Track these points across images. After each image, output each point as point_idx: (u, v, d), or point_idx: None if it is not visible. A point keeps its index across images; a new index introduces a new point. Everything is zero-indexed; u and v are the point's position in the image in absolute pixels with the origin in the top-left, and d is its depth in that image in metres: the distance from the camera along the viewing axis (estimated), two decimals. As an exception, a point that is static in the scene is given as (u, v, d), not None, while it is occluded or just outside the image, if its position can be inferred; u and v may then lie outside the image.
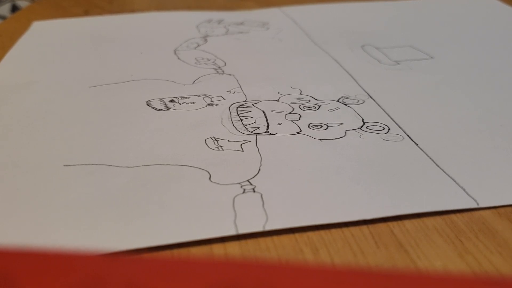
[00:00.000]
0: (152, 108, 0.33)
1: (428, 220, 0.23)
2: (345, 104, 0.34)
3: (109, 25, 0.50)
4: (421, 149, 0.28)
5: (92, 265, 0.14)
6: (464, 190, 0.25)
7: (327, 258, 0.21)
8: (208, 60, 0.42)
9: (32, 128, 0.31)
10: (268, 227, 0.22)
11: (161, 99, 0.35)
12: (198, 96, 0.35)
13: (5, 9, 0.80)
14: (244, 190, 0.25)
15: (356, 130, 0.30)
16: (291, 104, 0.34)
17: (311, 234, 0.23)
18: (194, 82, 0.38)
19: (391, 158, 0.28)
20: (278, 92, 0.35)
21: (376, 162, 0.27)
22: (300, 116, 0.32)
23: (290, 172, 0.26)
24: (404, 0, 0.57)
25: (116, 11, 0.55)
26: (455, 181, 0.26)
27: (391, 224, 0.23)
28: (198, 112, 0.33)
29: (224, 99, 0.35)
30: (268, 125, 0.31)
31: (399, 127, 0.31)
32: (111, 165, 0.27)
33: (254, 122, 0.31)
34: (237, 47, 0.45)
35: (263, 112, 0.33)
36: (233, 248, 0.22)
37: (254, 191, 0.25)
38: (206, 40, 0.46)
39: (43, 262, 0.14)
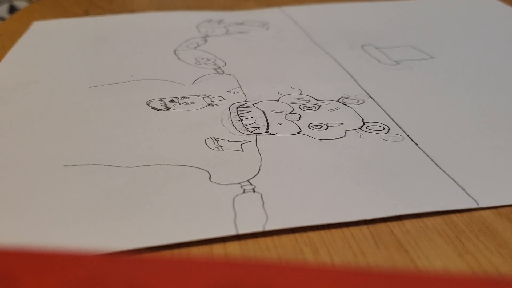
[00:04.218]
0: (152, 108, 0.33)
1: (428, 220, 0.23)
2: (345, 104, 0.34)
3: (109, 25, 0.50)
4: (421, 149, 0.28)
5: (92, 265, 0.14)
6: (464, 190, 0.25)
7: (327, 258, 0.21)
8: (208, 60, 0.42)
9: (32, 128, 0.31)
10: (268, 227, 0.22)
11: (161, 99, 0.35)
12: (198, 96, 0.35)
13: (3, 10, 0.80)
14: (244, 190, 0.25)
15: (356, 130, 0.30)
16: (291, 104, 0.34)
17: (311, 234, 0.23)
18: (194, 82, 0.38)
19: (391, 158, 0.28)
20: (278, 92, 0.35)
21: (376, 162, 0.27)
22: (300, 116, 0.32)
23: (290, 172, 0.26)
24: (404, 0, 0.57)
25: (116, 11, 0.55)
26: (455, 181, 0.26)
27: (391, 224, 0.23)
28: (198, 112, 0.33)
29: (224, 99, 0.35)
30: (268, 125, 0.31)
31: (399, 127, 0.31)
32: (111, 165, 0.27)
33: (254, 122, 0.31)
34: (237, 47, 0.45)
35: (263, 112, 0.33)
36: (233, 248, 0.22)
37: (254, 191, 0.25)
38: (206, 40, 0.46)
39: (43, 262, 0.14)
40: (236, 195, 0.24)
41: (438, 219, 0.23)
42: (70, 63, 0.41)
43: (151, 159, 0.28)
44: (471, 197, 0.24)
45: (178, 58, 0.42)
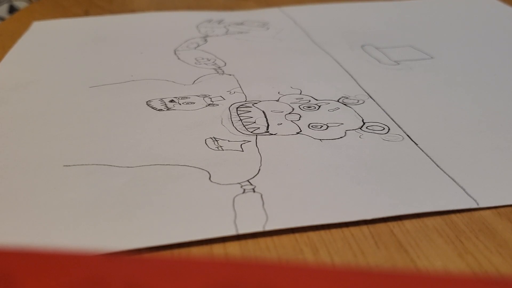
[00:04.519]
0: (152, 108, 0.33)
1: (428, 220, 0.23)
2: (345, 104, 0.34)
3: (109, 25, 0.50)
4: (421, 149, 0.28)
5: (92, 265, 0.14)
6: (464, 190, 0.25)
7: (327, 258, 0.21)
8: (208, 60, 0.42)
9: (32, 128, 0.31)
10: (268, 227, 0.22)
11: (161, 99, 0.35)
12: (198, 96, 0.35)
13: (3, 10, 0.80)
14: (244, 190, 0.25)
15: (356, 130, 0.30)
16: (291, 104, 0.34)
17: (311, 234, 0.23)
18: (194, 82, 0.38)
19: (391, 158, 0.28)
20: (278, 92, 0.35)
21: (376, 162, 0.27)
22: (300, 116, 0.32)
23: (290, 172, 0.26)
24: (404, 0, 0.57)
25: (116, 11, 0.55)
26: (455, 181, 0.26)
27: (391, 224, 0.23)
28: (198, 112, 0.33)
29: (224, 99, 0.35)
30: (268, 125, 0.31)
31: (399, 127, 0.31)
32: (111, 165, 0.27)
33: (254, 122, 0.31)
34: (237, 47, 0.45)
35: (263, 112, 0.33)
36: (233, 248, 0.22)
37: (254, 191, 0.25)
38: (206, 40, 0.46)
39: (43, 262, 0.14)
40: (236, 195, 0.24)
41: (438, 219, 0.23)
42: (70, 63, 0.41)
43: (151, 159, 0.28)
44: (471, 197, 0.24)
45: (178, 58, 0.42)
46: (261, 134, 0.30)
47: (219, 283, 0.13)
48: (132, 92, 0.36)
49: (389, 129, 0.31)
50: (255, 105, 0.34)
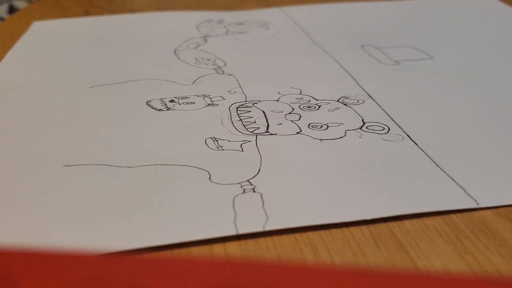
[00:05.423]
0: (152, 108, 0.33)
1: (428, 220, 0.23)
2: (345, 104, 0.34)
3: (109, 25, 0.50)
4: (421, 149, 0.28)
5: (92, 265, 0.14)
6: (464, 190, 0.25)
7: (327, 258, 0.21)
8: (208, 60, 0.42)
9: (32, 128, 0.31)
10: (268, 227, 0.22)
11: (161, 99, 0.35)
12: (198, 96, 0.35)
13: (3, 10, 0.80)
14: (244, 190, 0.25)
15: (356, 130, 0.30)
16: (291, 104, 0.34)
17: (311, 234, 0.23)
18: (194, 82, 0.38)
19: (391, 158, 0.28)
20: (278, 92, 0.35)
21: (376, 162, 0.27)
22: (300, 116, 0.32)
23: (290, 172, 0.26)
24: (404, 0, 0.57)
25: (116, 11, 0.55)
26: (455, 181, 0.26)
27: (391, 224, 0.23)
28: (198, 112, 0.33)
29: (224, 99, 0.35)
30: (268, 125, 0.31)
31: (399, 127, 0.31)
32: (111, 165, 0.27)
33: (254, 122, 0.31)
34: (237, 47, 0.45)
35: (263, 112, 0.33)
36: (233, 248, 0.22)
37: (254, 191, 0.25)
38: (206, 40, 0.46)
39: (43, 262, 0.14)
40: (236, 195, 0.24)
41: (438, 219, 0.23)
42: (70, 63, 0.41)
43: (151, 159, 0.28)
44: (471, 197, 0.24)
45: (178, 58, 0.42)
46: (261, 134, 0.30)
47: (219, 283, 0.13)
48: (132, 92, 0.36)
49: (389, 129, 0.31)
50: (255, 105, 0.34)
